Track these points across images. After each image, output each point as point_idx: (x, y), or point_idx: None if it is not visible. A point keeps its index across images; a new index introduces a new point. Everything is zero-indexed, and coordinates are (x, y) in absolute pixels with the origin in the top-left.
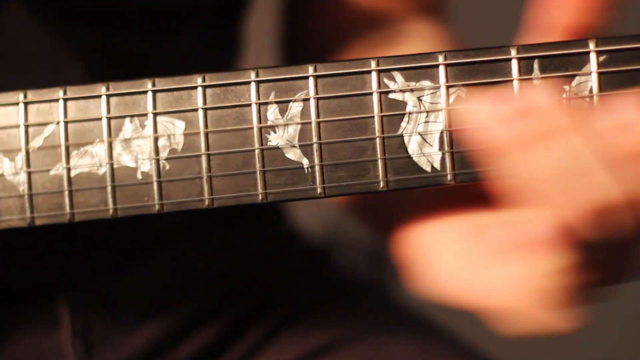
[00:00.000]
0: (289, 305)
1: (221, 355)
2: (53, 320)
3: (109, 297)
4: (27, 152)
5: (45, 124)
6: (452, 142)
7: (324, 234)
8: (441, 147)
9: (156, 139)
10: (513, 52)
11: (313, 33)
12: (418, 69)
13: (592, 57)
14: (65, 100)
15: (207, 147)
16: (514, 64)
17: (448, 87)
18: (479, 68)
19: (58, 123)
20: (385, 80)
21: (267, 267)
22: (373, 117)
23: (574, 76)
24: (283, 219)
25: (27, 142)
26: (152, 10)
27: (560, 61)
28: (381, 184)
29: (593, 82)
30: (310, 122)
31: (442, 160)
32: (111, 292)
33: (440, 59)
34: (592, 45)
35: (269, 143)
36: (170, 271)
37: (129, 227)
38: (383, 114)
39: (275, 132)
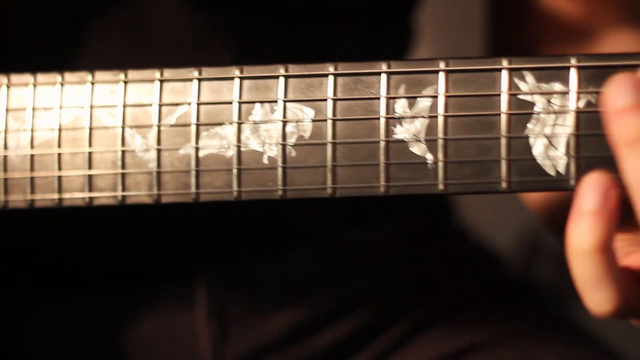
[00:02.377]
0: (435, 304)
1: (359, 350)
2: (190, 299)
3: (249, 280)
4: (159, 130)
5: (178, 104)
6: (579, 147)
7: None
8: (567, 152)
9: (284, 125)
10: None
11: (512, 31)
12: (549, 69)
13: None
14: (200, 80)
15: (334, 136)
16: None
17: (579, 90)
18: (612, 72)
19: (190, 104)
20: (516, 80)
21: (418, 263)
22: (500, 115)
23: None
24: (447, 215)
25: (159, 120)
26: (308, 4)
27: None
28: (503, 185)
29: None
30: (437, 117)
31: (567, 165)
32: (252, 275)
33: (573, 61)
34: None
35: (394, 136)
36: (316, 259)
37: (280, 211)
38: (511, 113)
39: (401, 125)
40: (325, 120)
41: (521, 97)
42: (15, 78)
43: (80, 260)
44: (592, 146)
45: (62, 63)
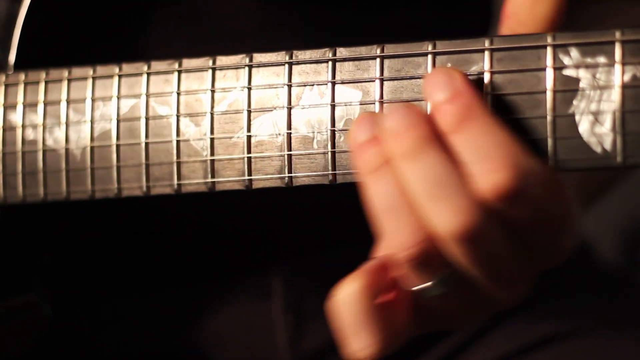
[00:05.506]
0: None
1: (440, 339)
2: (266, 290)
3: (326, 270)
4: (212, 117)
5: (230, 90)
6: (625, 123)
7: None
8: (613, 128)
9: (333, 108)
10: None
11: None
12: (594, 44)
13: None
14: (250, 67)
15: None
16: None
17: (624, 64)
18: None
19: (243, 89)
20: (561, 56)
21: None
22: (545, 93)
23: None
24: None
25: (212, 107)
26: None
27: None
28: (550, 164)
29: None
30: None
31: (614, 141)
32: (329, 265)
33: (617, 34)
34: None
35: None
36: None
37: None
38: (556, 90)
39: None
40: (374, 103)
41: (566, 73)
42: (76, 71)
43: (157, 254)
44: (639, 121)
45: (127, 54)
